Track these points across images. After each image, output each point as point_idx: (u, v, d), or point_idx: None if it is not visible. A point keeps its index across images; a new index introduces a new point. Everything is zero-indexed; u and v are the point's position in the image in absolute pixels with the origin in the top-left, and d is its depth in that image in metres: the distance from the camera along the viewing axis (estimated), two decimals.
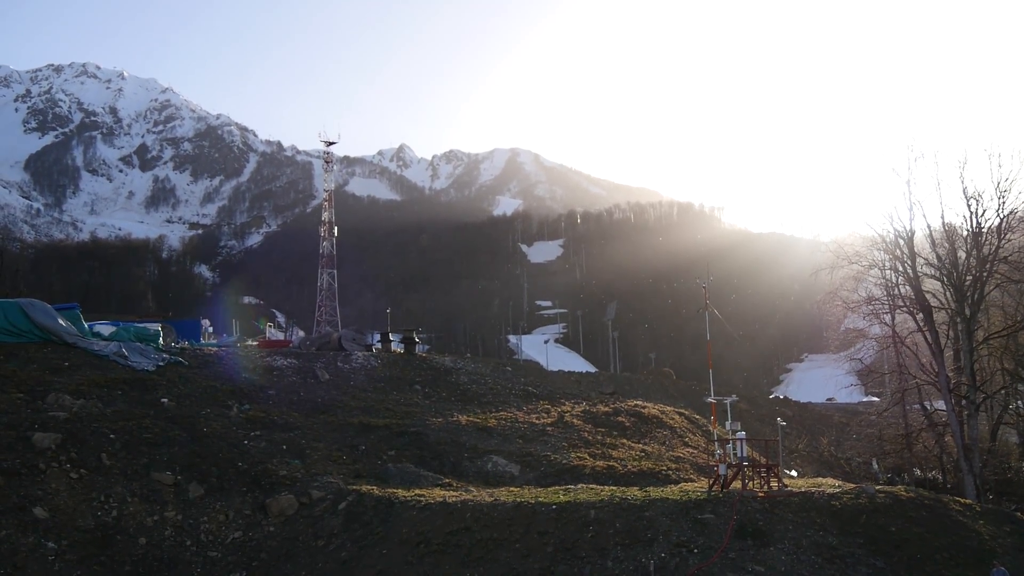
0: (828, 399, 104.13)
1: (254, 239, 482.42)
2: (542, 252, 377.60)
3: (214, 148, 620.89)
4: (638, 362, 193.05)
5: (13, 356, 35.19)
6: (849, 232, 43.34)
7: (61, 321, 38.47)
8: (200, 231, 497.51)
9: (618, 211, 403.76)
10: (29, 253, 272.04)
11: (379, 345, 59.68)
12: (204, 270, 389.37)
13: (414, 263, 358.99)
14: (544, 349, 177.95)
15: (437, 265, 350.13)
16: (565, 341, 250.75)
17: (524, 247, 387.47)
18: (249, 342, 67.59)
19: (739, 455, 23.17)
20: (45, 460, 24.56)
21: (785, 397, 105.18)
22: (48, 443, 25.30)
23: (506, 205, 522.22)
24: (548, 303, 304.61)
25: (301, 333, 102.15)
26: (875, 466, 48.95)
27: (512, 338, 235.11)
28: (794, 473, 28.22)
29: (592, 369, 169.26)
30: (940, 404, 40.46)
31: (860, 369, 50.12)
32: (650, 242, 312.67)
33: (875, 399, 68.86)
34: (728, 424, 24.16)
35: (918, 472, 44.60)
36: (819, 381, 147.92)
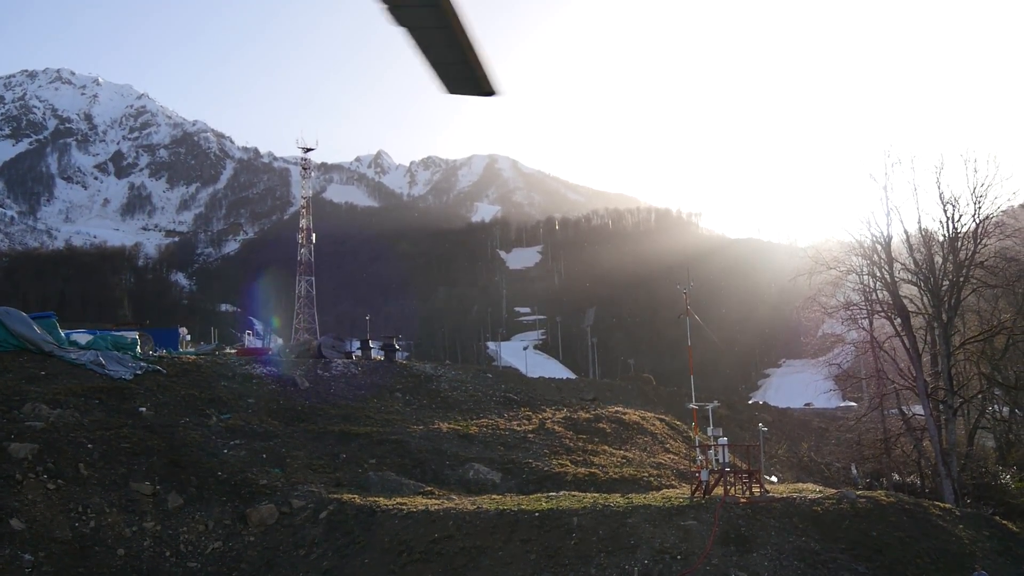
0: (806, 404, 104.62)
1: (231, 246, 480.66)
2: (520, 258, 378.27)
3: (190, 155, 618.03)
4: (617, 367, 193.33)
5: None
6: (827, 238, 43.55)
7: (37, 330, 38.06)
8: (176, 238, 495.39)
9: (596, 217, 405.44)
10: (3, 261, 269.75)
11: (359, 352, 59.47)
12: (181, 278, 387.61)
13: (392, 270, 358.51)
14: (523, 355, 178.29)
15: (415, 272, 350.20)
16: (544, 347, 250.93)
17: (502, 253, 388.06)
18: (228, 350, 67.27)
19: (721, 461, 23.20)
20: (22, 470, 24.26)
21: (764, 402, 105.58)
22: (24, 453, 25.00)
23: (484, 211, 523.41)
24: (527, 309, 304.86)
25: (279, 341, 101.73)
26: (854, 471, 49.18)
27: (491, 344, 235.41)
28: (774, 479, 28.33)
29: (571, 375, 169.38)
30: (918, 409, 40.70)
31: (838, 374, 50.39)
32: (628, 248, 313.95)
33: (853, 404, 69.20)
34: (710, 430, 24.17)
35: (896, 477, 44.85)
36: (797, 386, 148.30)
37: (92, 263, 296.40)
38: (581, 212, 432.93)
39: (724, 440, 23.55)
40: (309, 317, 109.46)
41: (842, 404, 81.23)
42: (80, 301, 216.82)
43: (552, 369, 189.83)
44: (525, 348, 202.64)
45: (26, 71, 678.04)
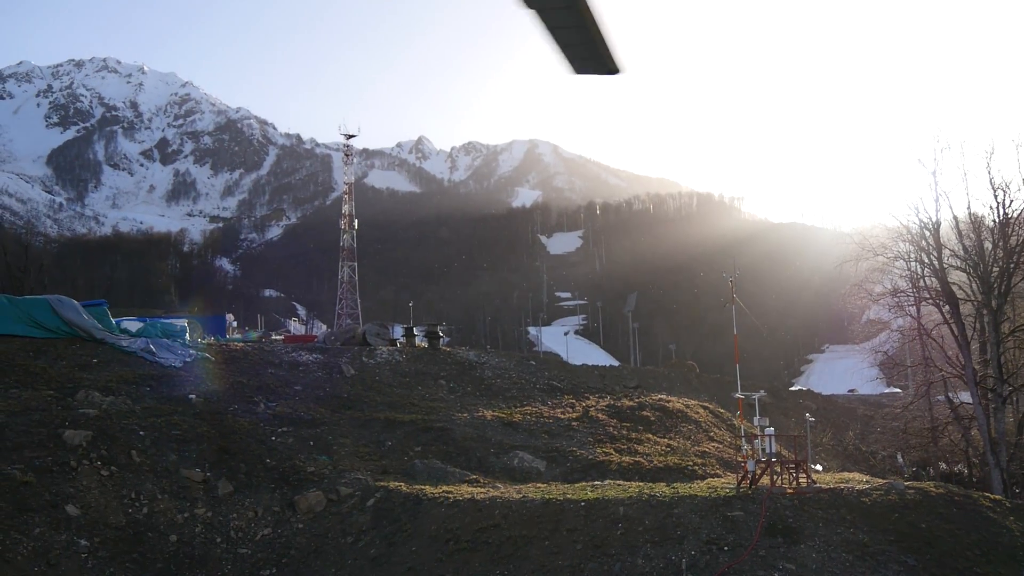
0: (850, 391, 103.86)
1: (274, 232, 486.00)
2: (561, 243, 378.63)
3: (234, 141, 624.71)
4: (658, 353, 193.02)
5: (43, 353, 35.49)
6: (872, 223, 43.07)
7: (88, 317, 38.79)
8: (221, 224, 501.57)
9: (637, 202, 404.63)
10: (52, 247, 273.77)
11: (403, 339, 59.75)
12: (225, 263, 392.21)
13: (433, 255, 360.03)
14: (564, 341, 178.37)
15: (456, 257, 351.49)
16: (585, 332, 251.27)
17: (543, 238, 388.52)
18: (274, 336, 68.17)
19: (768, 451, 23.03)
20: (76, 457, 24.74)
21: (808, 389, 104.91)
22: (79, 440, 25.49)
23: (525, 196, 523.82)
24: (567, 295, 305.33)
25: (324, 327, 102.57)
26: (900, 460, 48.71)
27: (532, 330, 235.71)
28: (819, 467, 28.17)
29: (612, 360, 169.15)
30: (965, 396, 40.24)
31: (883, 361, 49.90)
32: (670, 233, 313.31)
33: (898, 391, 68.50)
34: (756, 419, 24.02)
35: (943, 466, 44.38)
36: (841, 373, 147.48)
37: (139, 249, 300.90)
38: (622, 197, 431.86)
39: (771, 430, 23.39)
40: (352, 303, 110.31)
41: (887, 391, 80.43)
42: (128, 286, 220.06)
43: (593, 354, 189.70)
44: (566, 333, 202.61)
45: (73, 60, 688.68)
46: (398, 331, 66.64)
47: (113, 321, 41.69)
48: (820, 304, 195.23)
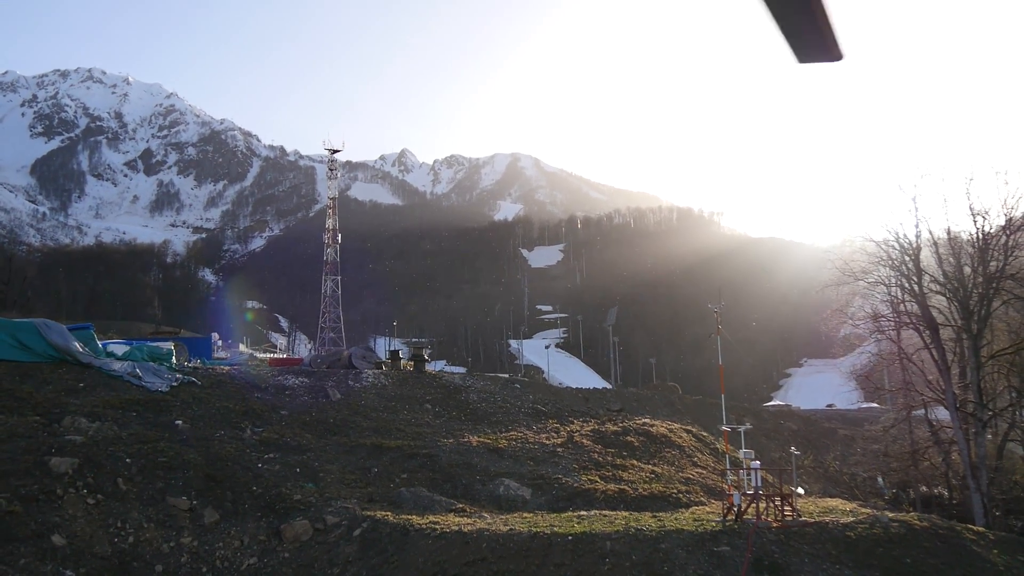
0: (828, 405, 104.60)
1: (257, 243, 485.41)
2: (543, 257, 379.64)
3: (218, 153, 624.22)
4: (639, 367, 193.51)
5: (29, 377, 35.34)
6: (852, 244, 43.48)
7: (74, 341, 38.68)
8: (204, 235, 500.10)
9: (618, 216, 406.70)
10: (35, 257, 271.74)
11: (389, 362, 59.82)
12: (208, 274, 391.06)
13: (416, 267, 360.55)
14: (545, 354, 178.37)
15: (439, 270, 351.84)
16: (565, 346, 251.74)
17: (525, 252, 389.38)
18: (259, 355, 67.99)
19: (754, 484, 23.23)
20: (62, 486, 24.61)
21: (788, 405, 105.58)
22: (65, 468, 25.37)
23: (507, 210, 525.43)
24: (549, 307, 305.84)
25: (309, 346, 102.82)
26: (880, 482, 49.05)
27: (513, 343, 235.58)
28: (801, 491, 28.42)
29: (593, 373, 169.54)
30: (944, 415, 40.66)
31: (863, 382, 50.22)
32: (650, 247, 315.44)
33: (875, 405, 69.08)
34: (742, 452, 24.24)
35: (924, 488, 44.73)
36: (819, 386, 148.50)
37: (122, 260, 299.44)
38: (603, 210, 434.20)
39: (757, 464, 23.60)
40: (335, 316, 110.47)
41: (864, 405, 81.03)
42: (110, 298, 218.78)
43: (573, 367, 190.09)
44: (547, 347, 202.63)
45: (58, 70, 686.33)
46: (380, 344, 66.55)
47: (99, 344, 41.59)
48: (799, 318, 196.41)
